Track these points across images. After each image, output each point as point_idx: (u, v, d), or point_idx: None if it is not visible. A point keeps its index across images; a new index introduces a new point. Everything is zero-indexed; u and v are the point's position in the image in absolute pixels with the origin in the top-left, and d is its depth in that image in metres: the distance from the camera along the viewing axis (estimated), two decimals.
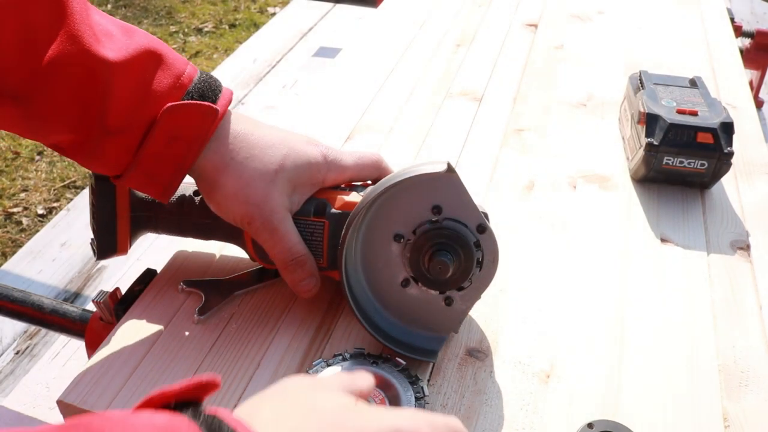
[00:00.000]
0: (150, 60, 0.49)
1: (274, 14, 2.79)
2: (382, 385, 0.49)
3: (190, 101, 0.50)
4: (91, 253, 0.61)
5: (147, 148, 0.50)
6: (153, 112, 0.49)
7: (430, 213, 0.50)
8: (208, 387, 0.33)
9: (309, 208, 0.54)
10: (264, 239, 0.53)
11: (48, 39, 0.46)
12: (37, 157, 2.06)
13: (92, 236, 0.59)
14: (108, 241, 0.58)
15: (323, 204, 0.54)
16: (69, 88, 0.47)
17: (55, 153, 2.08)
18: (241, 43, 2.56)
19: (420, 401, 0.48)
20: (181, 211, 0.58)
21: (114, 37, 0.48)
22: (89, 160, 0.51)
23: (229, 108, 0.53)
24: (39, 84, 0.46)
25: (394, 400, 0.48)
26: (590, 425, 0.48)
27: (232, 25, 2.81)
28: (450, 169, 0.48)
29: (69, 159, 0.53)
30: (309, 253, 0.54)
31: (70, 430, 0.27)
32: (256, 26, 2.72)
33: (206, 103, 0.50)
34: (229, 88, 0.53)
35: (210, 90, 0.51)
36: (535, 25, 1.10)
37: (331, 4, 1.30)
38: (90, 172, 0.55)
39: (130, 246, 0.59)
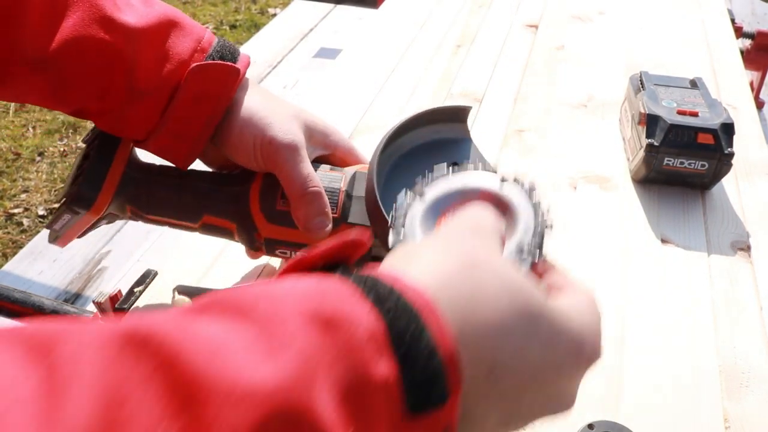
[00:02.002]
0: (170, 26, 0.51)
1: (274, 15, 2.79)
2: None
3: (213, 62, 0.51)
4: (91, 256, 0.58)
5: (174, 109, 0.51)
6: (178, 74, 0.51)
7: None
8: (355, 246, 0.31)
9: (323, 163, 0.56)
10: (283, 159, 0.52)
11: (71, 6, 0.47)
12: (38, 158, 2.06)
13: (67, 187, 0.54)
14: (90, 189, 0.53)
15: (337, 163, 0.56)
16: (93, 54, 0.48)
17: (56, 154, 2.08)
18: (241, 44, 2.56)
19: (531, 194, 0.41)
20: (178, 175, 0.55)
21: (134, 6, 0.50)
22: (115, 124, 0.52)
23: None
24: (64, 51, 0.47)
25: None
26: (591, 426, 0.48)
27: (233, 26, 2.82)
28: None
29: (93, 123, 0.55)
30: (324, 191, 0.53)
31: (206, 308, 0.25)
32: (257, 27, 2.72)
33: (228, 63, 0.52)
34: (246, 53, 0.55)
35: (229, 53, 0.53)
36: (536, 26, 1.10)
37: (331, 5, 1.30)
38: (93, 125, 0.55)
39: (104, 212, 0.54)
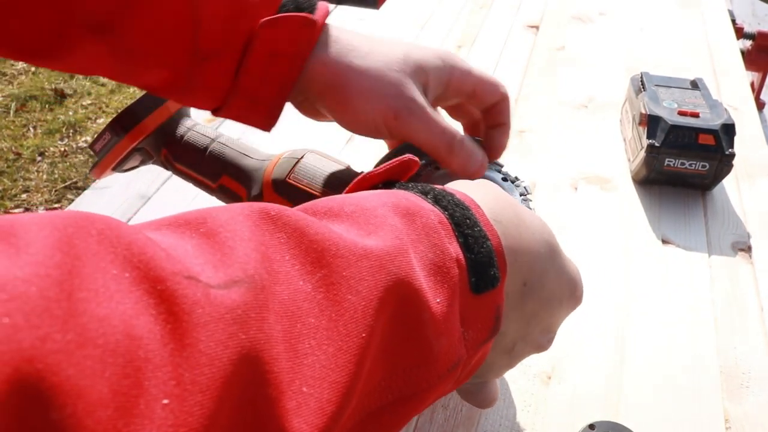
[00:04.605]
0: None
1: None
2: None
3: (286, 14, 0.45)
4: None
5: (247, 69, 0.45)
6: (248, 28, 0.45)
7: None
8: (408, 166, 0.36)
9: None
10: (416, 129, 0.46)
11: None
12: (39, 158, 2.06)
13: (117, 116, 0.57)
14: (138, 112, 0.56)
15: None
16: (157, 11, 0.43)
17: (57, 154, 2.08)
18: None
19: (525, 198, 0.47)
20: (214, 137, 0.58)
21: None
22: (187, 94, 0.47)
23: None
24: (124, 12, 0.43)
25: None
26: (591, 426, 0.48)
27: None
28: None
29: (166, 96, 0.50)
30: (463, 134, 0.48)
31: (306, 210, 0.30)
32: None
33: (303, 14, 0.46)
34: (324, 2, 0.49)
35: (306, 2, 0.47)
36: (537, 27, 1.10)
37: (332, 6, 1.30)
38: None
39: (141, 141, 0.56)
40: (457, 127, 0.49)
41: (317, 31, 0.46)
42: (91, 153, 0.58)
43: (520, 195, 0.47)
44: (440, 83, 0.48)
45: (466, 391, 0.41)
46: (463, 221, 0.32)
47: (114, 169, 0.59)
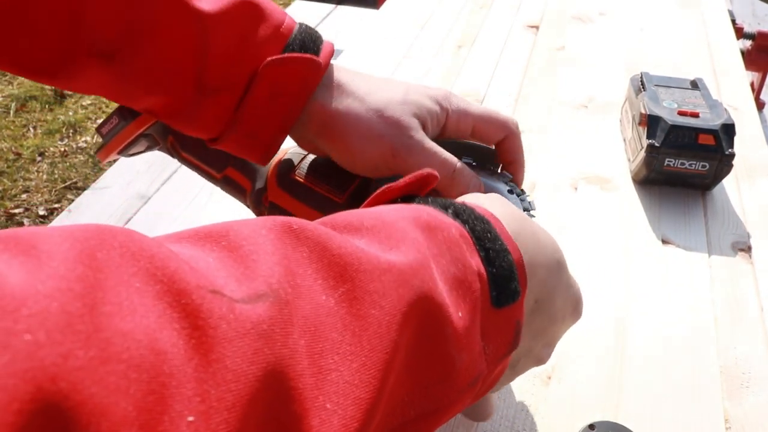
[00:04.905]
0: (247, 10, 0.45)
1: None
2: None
3: (292, 54, 0.45)
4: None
5: (248, 106, 0.46)
6: (253, 66, 0.45)
7: None
8: (427, 180, 0.36)
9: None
10: (415, 164, 0.46)
11: None
12: (39, 158, 2.07)
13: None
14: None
15: None
16: (164, 43, 0.43)
17: (57, 154, 2.08)
18: None
19: (529, 213, 0.47)
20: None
21: None
22: (185, 122, 0.47)
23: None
24: (134, 39, 0.43)
25: None
26: (591, 426, 0.48)
27: None
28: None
29: (166, 121, 0.50)
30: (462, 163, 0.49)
31: (325, 224, 0.30)
32: None
33: (308, 55, 0.46)
34: (329, 40, 0.49)
35: (311, 41, 0.47)
36: (537, 27, 1.10)
37: (332, 6, 1.30)
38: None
39: (148, 127, 0.55)
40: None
41: (321, 73, 0.46)
42: (93, 149, 0.57)
43: (524, 210, 0.47)
44: (438, 125, 0.48)
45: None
46: (484, 235, 0.32)
47: (120, 153, 0.58)
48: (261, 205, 0.56)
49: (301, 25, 0.48)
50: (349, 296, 0.26)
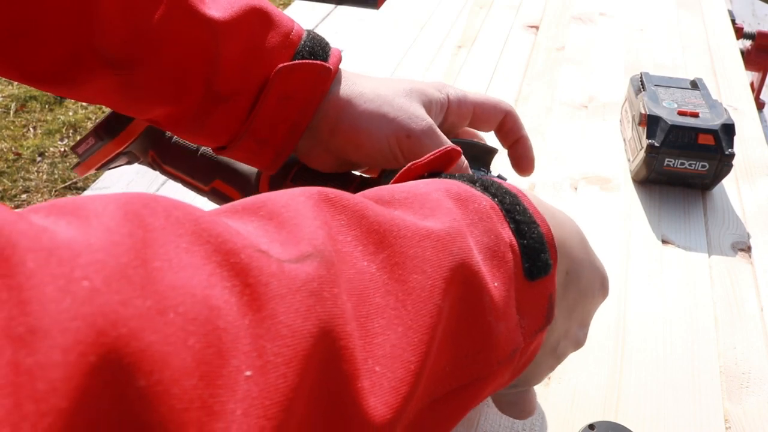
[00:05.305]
0: (256, 18, 0.45)
1: None
2: None
3: (302, 61, 0.46)
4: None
5: (259, 113, 0.45)
6: (264, 74, 0.45)
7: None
8: (451, 156, 0.36)
9: None
10: (428, 148, 0.46)
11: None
12: (39, 159, 2.07)
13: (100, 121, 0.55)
14: (121, 118, 0.54)
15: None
16: (174, 52, 0.43)
17: (57, 155, 2.08)
18: None
19: None
20: None
21: None
22: (193, 131, 0.47)
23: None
24: (142, 48, 0.42)
25: None
26: (591, 426, 0.48)
27: None
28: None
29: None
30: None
31: (363, 196, 0.30)
32: None
33: (318, 62, 0.46)
34: (336, 47, 0.49)
35: (320, 47, 0.47)
36: (537, 27, 1.10)
37: (332, 6, 1.31)
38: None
39: (126, 147, 0.55)
40: None
41: (330, 79, 0.46)
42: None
43: None
44: (441, 110, 0.49)
45: (506, 403, 0.40)
46: (513, 208, 0.32)
47: (98, 170, 0.58)
48: None
49: (309, 32, 0.48)
50: (390, 262, 0.26)
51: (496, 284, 0.29)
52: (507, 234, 0.31)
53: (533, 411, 0.40)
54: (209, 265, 0.20)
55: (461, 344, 0.28)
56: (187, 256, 0.19)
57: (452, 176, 0.34)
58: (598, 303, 0.40)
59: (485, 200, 0.31)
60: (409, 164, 0.35)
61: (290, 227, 0.24)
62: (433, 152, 0.35)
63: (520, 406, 0.40)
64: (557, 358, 0.38)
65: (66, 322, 0.15)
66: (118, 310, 0.16)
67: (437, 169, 0.36)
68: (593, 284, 0.38)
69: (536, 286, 0.31)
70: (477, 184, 0.33)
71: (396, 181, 0.35)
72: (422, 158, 0.35)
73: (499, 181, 0.34)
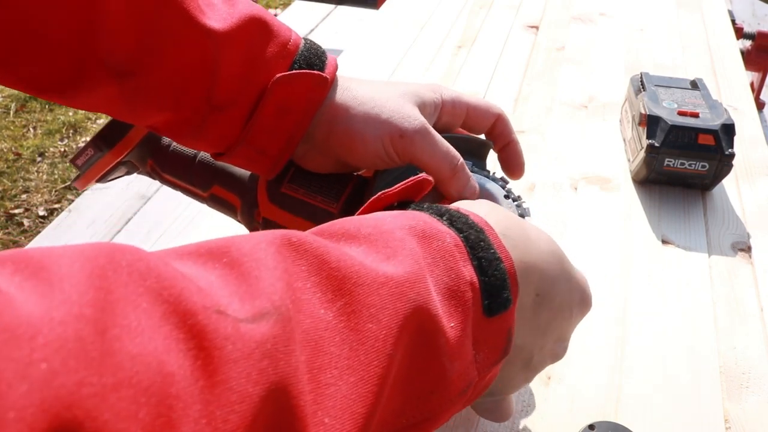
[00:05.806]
0: (255, 28, 0.46)
1: (275, 16, 2.79)
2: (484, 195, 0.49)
3: (300, 71, 0.46)
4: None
5: (257, 121, 0.46)
6: (262, 83, 0.46)
7: None
8: (422, 186, 0.37)
9: None
10: (422, 149, 0.47)
11: (155, 9, 0.42)
12: (39, 159, 2.07)
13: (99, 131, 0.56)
14: (119, 129, 0.54)
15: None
16: (176, 61, 0.44)
17: (57, 155, 2.09)
18: None
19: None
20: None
21: (216, 7, 0.45)
22: (192, 138, 0.48)
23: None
24: (145, 57, 0.43)
25: None
26: (591, 426, 0.48)
27: None
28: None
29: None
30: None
31: (321, 234, 0.31)
32: None
33: (315, 71, 0.47)
34: (333, 56, 0.50)
35: (317, 57, 0.48)
36: (537, 27, 1.10)
37: (332, 6, 1.31)
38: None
39: (125, 156, 0.55)
40: None
41: (327, 88, 0.47)
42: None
43: (520, 216, 0.48)
44: (435, 110, 0.50)
45: (483, 409, 0.41)
46: (478, 243, 0.32)
47: (98, 182, 0.58)
48: (254, 221, 0.55)
49: (306, 41, 0.49)
50: (347, 310, 0.27)
51: (452, 325, 0.30)
52: (468, 272, 0.31)
53: (510, 415, 0.42)
54: (166, 326, 0.20)
55: (414, 386, 0.29)
56: (146, 318, 0.20)
57: (421, 208, 0.35)
58: (577, 318, 0.40)
59: (450, 237, 0.32)
60: (378, 193, 0.36)
61: (251, 280, 0.24)
62: (403, 182, 0.36)
63: (497, 412, 0.41)
64: (532, 370, 0.39)
65: (22, 410, 0.16)
66: (74, 392, 0.17)
67: (408, 197, 0.37)
68: (570, 301, 0.38)
69: (495, 321, 0.32)
70: (444, 218, 0.33)
71: (366, 210, 0.36)
72: (392, 188, 0.36)
73: (467, 212, 0.34)
